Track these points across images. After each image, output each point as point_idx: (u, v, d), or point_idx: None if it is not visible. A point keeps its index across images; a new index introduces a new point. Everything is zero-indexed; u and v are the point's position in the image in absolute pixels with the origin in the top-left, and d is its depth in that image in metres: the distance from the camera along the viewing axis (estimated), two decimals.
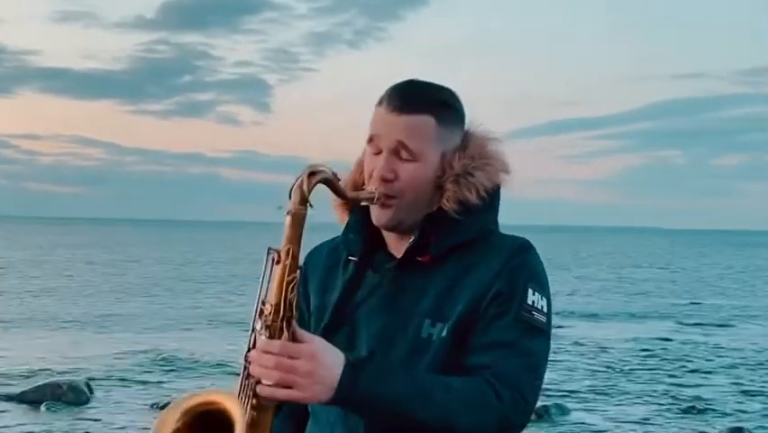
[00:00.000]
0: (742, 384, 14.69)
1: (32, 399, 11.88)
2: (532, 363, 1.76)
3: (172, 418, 1.65)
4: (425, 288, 1.80)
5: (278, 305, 1.65)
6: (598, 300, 29.79)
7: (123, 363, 15.03)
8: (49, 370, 14.18)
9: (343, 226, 1.93)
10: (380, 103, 1.84)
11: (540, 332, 1.78)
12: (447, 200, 1.81)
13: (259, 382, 1.63)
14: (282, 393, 1.62)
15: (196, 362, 15.26)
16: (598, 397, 13.47)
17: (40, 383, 12.59)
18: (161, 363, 15.12)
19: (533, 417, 11.30)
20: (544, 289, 1.81)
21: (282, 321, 1.65)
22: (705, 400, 13.25)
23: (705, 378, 15.25)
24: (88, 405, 11.85)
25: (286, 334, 1.64)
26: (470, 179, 1.81)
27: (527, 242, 1.85)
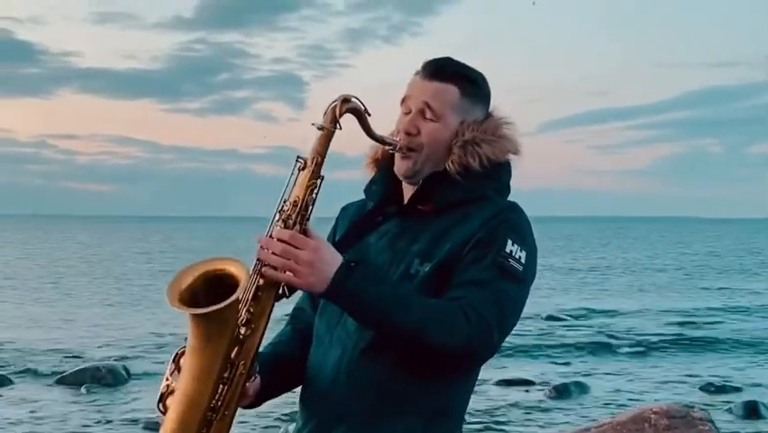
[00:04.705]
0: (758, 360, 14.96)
1: (72, 381, 12.45)
2: (502, 301, 1.93)
3: (188, 276, 1.87)
4: (422, 232, 2.04)
5: (296, 202, 1.91)
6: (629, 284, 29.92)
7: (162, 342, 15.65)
8: (91, 352, 14.77)
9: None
10: (417, 72, 2.11)
11: (515, 278, 1.96)
12: (452, 162, 2.04)
13: (266, 264, 1.89)
14: (283, 277, 1.88)
15: None
16: (617, 374, 13.78)
17: (80, 367, 13.19)
18: None
19: (552, 393, 11.67)
20: (524, 243, 1.99)
21: (297, 216, 1.91)
22: (722, 376, 13.53)
23: (724, 354, 15.52)
24: (126, 387, 12.38)
25: (298, 227, 1.91)
26: (476, 149, 2.03)
27: (515, 204, 2.07)
